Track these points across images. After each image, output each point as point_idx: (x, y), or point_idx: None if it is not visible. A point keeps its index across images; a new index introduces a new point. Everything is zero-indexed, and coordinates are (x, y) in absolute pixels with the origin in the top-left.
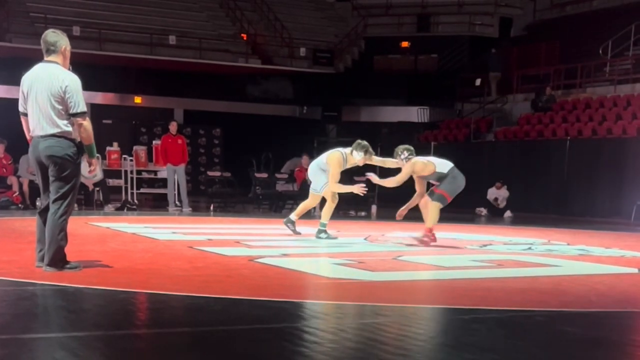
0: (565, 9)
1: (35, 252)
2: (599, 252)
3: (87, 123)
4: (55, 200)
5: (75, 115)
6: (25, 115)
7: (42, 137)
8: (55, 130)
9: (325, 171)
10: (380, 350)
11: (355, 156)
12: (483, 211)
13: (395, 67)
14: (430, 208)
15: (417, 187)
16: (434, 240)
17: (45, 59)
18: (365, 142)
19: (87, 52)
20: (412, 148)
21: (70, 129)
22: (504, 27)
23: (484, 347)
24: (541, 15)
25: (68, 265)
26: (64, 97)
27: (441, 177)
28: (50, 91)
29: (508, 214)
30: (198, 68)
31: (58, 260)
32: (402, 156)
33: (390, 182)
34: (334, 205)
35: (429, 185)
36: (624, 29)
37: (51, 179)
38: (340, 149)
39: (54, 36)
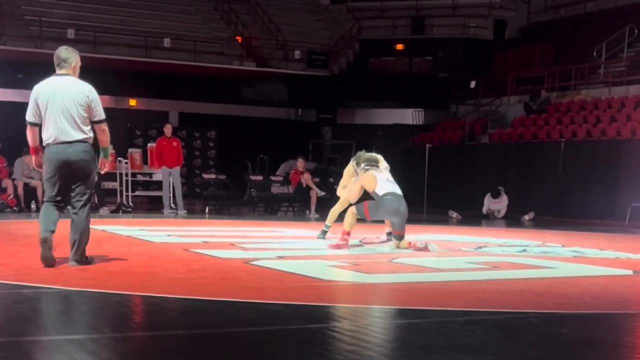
0: (559, 11)
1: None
2: (593, 254)
3: (107, 128)
4: (83, 202)
5: (99, 122)
6: (36, 125)
7: (70, 142)
8: (81, 137)
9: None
10: (375, 352)
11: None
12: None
13: (390, 70)
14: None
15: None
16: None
17: (58, 72)
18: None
19: (81, 54)
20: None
21: (91, 134)
22: (499, 29)
23: (479, 349)
24: (535, 17)
25: (87, 259)
26: (90, 105)
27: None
28: (77, 101)
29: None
30: (193, 71)
31: (83, 256)
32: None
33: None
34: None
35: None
36: (618, 31)
37: (78, 181)
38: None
39: (67, 53)
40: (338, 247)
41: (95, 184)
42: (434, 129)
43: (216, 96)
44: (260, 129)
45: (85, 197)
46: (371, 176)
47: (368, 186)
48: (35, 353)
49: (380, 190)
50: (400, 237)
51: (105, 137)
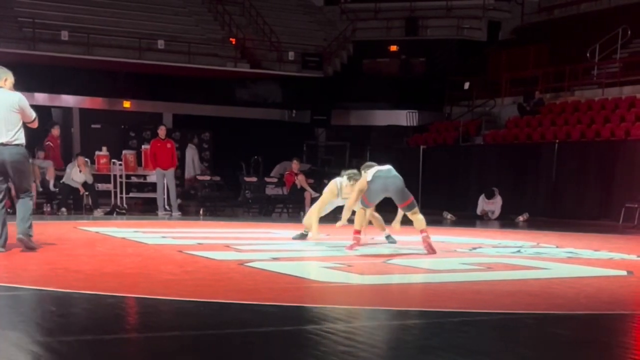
0: (552, 12)
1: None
2: (587, 255)
3: (37, 122)
4: (25, 191)
5: (32, 121)
6: None
7: (4, 144)
8: (14, 139)
9: None
10: (370, 353)
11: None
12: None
13: (384, 71)
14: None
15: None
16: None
17: None
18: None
19: (75, 56)
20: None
21: (22, 135)
22: (492, 30)
23: (474, 350)
24: (529, 18)
25: (31, 241)
26: (23, 111)
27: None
28: (11, 108)
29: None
30: (187, 72)
31: (28, 232)
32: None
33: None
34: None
35: None
36: (612, 33)
37: (16, 177)
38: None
39: None
40: (351, 247)
41: (90, 186)
42: (428, 130)
43: (210, 98)
44: (255, 130)
45: (27, 191)
46: (363, 175)
47: (363, 186)
48: (28, 355)
49: (369, 177)
50: (411, 207)
51: (35, 124)
